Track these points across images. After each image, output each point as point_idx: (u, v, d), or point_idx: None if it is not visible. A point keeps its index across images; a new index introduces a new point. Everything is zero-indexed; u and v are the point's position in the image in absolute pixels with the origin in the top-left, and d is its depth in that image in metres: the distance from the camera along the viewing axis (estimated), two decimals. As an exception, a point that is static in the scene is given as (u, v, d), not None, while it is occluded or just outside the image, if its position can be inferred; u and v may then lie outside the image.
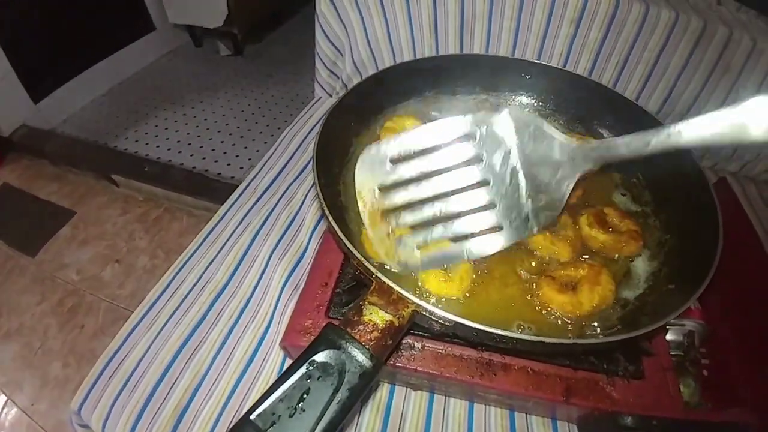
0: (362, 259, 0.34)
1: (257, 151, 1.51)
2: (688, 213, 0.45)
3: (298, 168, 0.73)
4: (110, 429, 0.46)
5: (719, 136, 0.28)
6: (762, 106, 0.26)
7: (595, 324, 0.40)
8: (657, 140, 0.30)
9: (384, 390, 0.50)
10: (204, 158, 1.48)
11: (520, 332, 0.38)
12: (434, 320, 0.33)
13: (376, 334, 0.31)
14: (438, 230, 0.38)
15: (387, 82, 0.55)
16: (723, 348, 0.51)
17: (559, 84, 0.57)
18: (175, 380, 0.49)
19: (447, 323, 0.32)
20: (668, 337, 0.47)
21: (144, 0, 1.76)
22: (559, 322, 0.40)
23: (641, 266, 0.45)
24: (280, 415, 0.27)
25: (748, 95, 0.26)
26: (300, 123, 0.83)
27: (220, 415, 0.47)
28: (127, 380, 0.49)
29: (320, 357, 0.29)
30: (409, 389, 0.50)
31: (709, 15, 0.66)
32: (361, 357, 0.30)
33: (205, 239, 0.63)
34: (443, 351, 0.42)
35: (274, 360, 0.51)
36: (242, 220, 0.65)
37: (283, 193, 0.68)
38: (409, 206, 0.38)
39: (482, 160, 0.36)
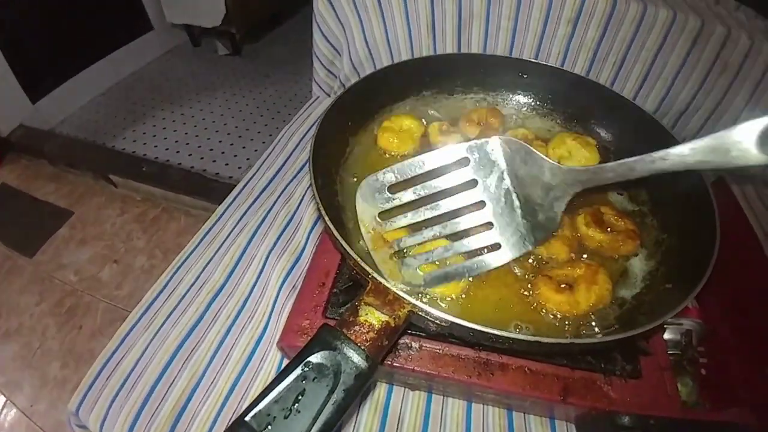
0: (358, 259, 0.34)
1: (255, 150, 1.51)
2: (685, 212, 0.44)
3: (295, 167, 0.73)
4: (108, 430, 0.46)
5: (702, 163, 0.29)
6: (744, 135, 0.27)
7: (593, 323, 0.40)
8: (642, 167, 0.33)
9: (382, 390, 0.50)
10: (202, 158, 1.47)
11: (517, 332, 0.38)
12: (430, 320, 0.33)
13: (371, 334, 0.31)
14: (439, 251, 0.39)
15: (384, 82, 0.55)
16: (722, 347, 0.52)
17: (556, 83, 0.57)
18: (173, 381, 0.49)
19: (443, 323, 0.32)
20: (666, 336, 0.47)
21: (142, -1, 1.76)
22: (557, 321, 0.40)
23: (638, 265, 0.45)
24: (275, 417, 0.27)
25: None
26: (298, 122, 0.83)
27: (217, 415, 0.47)
28: (125, 381, 0.49)
29: (315, 358, 0.29)
30: (407, 389, 0.50)
31: (706, 14, 0.66)
32: (356, 358, 0.29)
33: (202, 239, 0.62)
34: (441, 351, 0.42)
35: (272, 360, 0.51)
36: (240, 219, 0.65)
37: (281, 193, 0.68)
38: (410, 229, 0.41)
39: (477, 184, 0.39)
